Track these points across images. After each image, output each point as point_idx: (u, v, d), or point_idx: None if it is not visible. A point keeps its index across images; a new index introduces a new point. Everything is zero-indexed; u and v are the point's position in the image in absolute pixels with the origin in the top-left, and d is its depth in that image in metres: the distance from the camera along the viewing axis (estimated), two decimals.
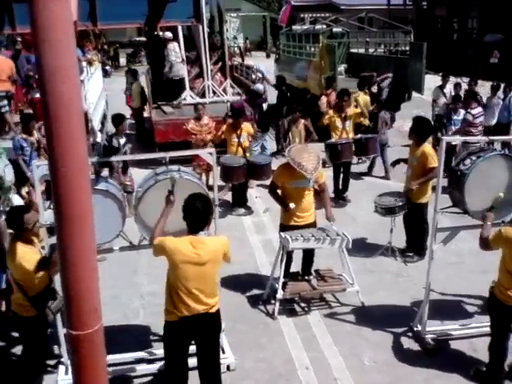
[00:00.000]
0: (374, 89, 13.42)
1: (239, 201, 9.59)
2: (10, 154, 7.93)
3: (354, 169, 10.93)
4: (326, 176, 6.73)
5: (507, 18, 26.75)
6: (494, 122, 11.85)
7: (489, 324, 5.02)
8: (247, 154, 9.43)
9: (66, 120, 2.56)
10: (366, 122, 10.39)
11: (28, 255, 4.52)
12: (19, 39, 11.60)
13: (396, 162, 8.01)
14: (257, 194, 10.22)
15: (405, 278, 6.96)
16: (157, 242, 4.18)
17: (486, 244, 4.78)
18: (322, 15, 24.06)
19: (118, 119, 8.73)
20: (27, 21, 2.49)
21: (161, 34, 14.23)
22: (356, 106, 10.45)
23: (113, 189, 4.98)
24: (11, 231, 4.86)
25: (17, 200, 6.64)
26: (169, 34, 13.74)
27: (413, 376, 5.11)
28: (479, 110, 10.35)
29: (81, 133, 2.67)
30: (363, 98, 11.52)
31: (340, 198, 9.81)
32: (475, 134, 10.01)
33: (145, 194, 4.82)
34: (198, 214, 4.12)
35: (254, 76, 16.07)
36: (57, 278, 4.11)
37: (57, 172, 2.63)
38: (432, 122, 10.38)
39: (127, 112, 16.73)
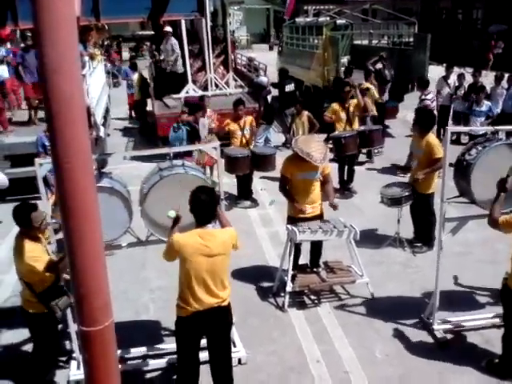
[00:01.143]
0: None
1: (244, 193, 9.54)
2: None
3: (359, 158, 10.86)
4: (331, 167, 6.67)
5: None
6: (498, 111, 11.84)
7: (501, 315, 4.98)
8: (251, 146, 9.38)
9: (69, 116, 2.55)
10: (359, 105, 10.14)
11: (35, 253, 4.49)
12: (29, 34, 11.51)
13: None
14: (262, 186, 10.15)
15: (413, 269, 6.93)
16: (168, 245, 4.19)
17: (495, 221, 4.63)
18: (326, 7, 23.86)
19: (195, 107, 9.61)
20: (30, 16, 2.47)
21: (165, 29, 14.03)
22: (364, 94, 10.36)
23: (117, 185, 4.93)
24: None
25: None
26: (169, 29, 13.46)
27: (425, 369, 5.06)
28: (432, 95, 11.51)
29: (83, 128, 2.66)
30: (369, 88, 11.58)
31: (346, 189, 9.75)
32: None
33: (151, 190, 4.79)
34: (204, 207, 4.10)
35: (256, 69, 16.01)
36: None
37: (60, 167, 2.63)
38: (436, 113, 10.56)
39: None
